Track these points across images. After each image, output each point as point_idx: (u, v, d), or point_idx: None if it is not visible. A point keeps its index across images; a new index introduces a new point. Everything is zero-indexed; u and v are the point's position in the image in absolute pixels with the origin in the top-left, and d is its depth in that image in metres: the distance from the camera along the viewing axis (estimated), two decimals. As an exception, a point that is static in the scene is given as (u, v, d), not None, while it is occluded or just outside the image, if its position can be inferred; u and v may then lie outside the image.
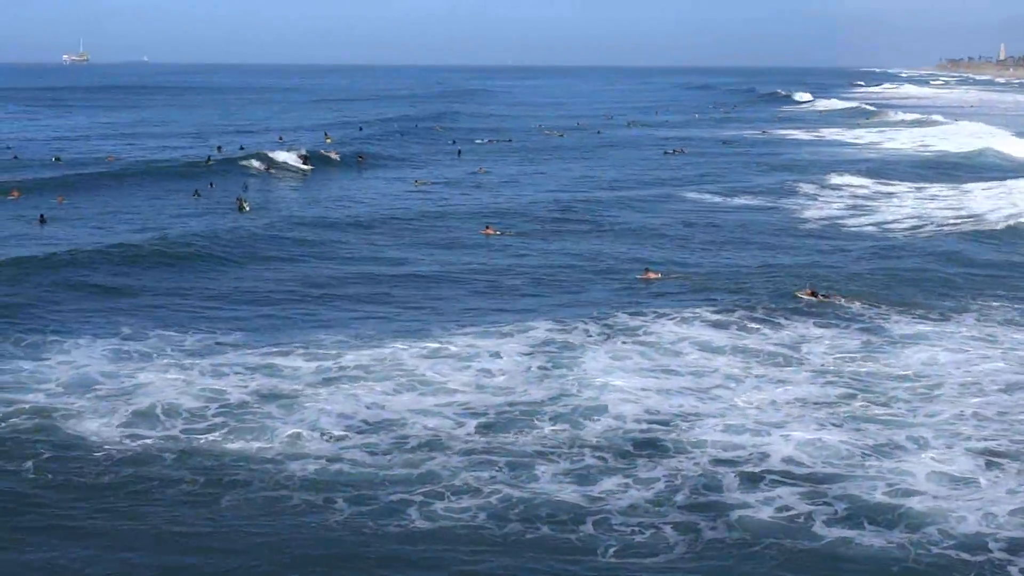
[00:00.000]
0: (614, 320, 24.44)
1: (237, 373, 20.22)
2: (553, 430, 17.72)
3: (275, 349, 21.78)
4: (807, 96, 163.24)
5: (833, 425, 18.11)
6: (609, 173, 58.73)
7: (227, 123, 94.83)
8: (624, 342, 22.67)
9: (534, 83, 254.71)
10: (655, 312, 25.30)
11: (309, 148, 63.74)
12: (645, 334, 23.31)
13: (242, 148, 66.80)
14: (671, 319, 24.67)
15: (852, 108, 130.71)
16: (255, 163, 57.21)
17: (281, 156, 59.69)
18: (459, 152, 68.61)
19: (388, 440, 17.24)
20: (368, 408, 18.56)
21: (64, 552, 13.39)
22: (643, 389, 19.66)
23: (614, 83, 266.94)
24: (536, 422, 18.06)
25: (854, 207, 45.04)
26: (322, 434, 17.35)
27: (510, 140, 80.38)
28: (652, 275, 29.50)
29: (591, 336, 23.07)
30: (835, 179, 53.01)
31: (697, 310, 25.50)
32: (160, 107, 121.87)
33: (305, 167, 58.32)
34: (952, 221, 41.17)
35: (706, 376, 20.53)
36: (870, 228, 39.65)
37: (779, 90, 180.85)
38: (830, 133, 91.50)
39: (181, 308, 25.56)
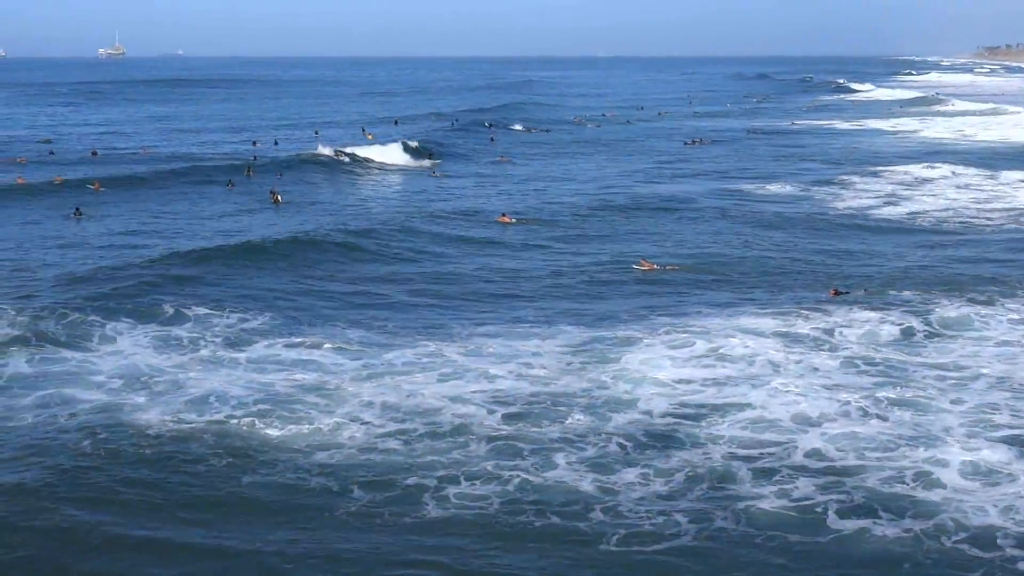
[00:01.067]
0: (653, 316, 24.88)
1: (286, 367, 21.07)
2: (580, 420, 18.15)
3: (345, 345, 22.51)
4: (866, 85, 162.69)
5: (865, 415, 18.33)
6: (630, 164, 59.44)
7: (260, 117, 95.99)
8: (664, 337, 23.00)
9: (579, 74, 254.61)
10: (694, 309, 25.70)
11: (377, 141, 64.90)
12: (684, 329, 23.63)
13: (276, 144, 67.99)
14: (709, 314, 25.01)
15: (917, 97, 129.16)
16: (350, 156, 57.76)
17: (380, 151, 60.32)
18: (491, 139, 72.01)
19: (421, 427, 17.86)
20: (408, 397, 19.19)
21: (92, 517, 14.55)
22: (678, 381, 20.03)
23: (660, 72, 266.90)
24: (565, 411, 18.52)
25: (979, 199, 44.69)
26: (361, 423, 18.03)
27: (547, 130, 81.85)
28: (648, 266, 30.04)
29: (630, 331, 23.48)
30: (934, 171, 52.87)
31: (734, 305, 25.86)
32: (196, 101, 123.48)
33: (426, 163, 59.13)
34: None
35: (739, 369, 20.84)
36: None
37: (840, 79, 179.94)
38: (898, 124, 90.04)
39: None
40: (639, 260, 30.80)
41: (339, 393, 19.40)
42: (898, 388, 19.69)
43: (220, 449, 16.82)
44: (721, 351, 21.79)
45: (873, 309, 25.10)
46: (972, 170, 53.65)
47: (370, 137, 71.84)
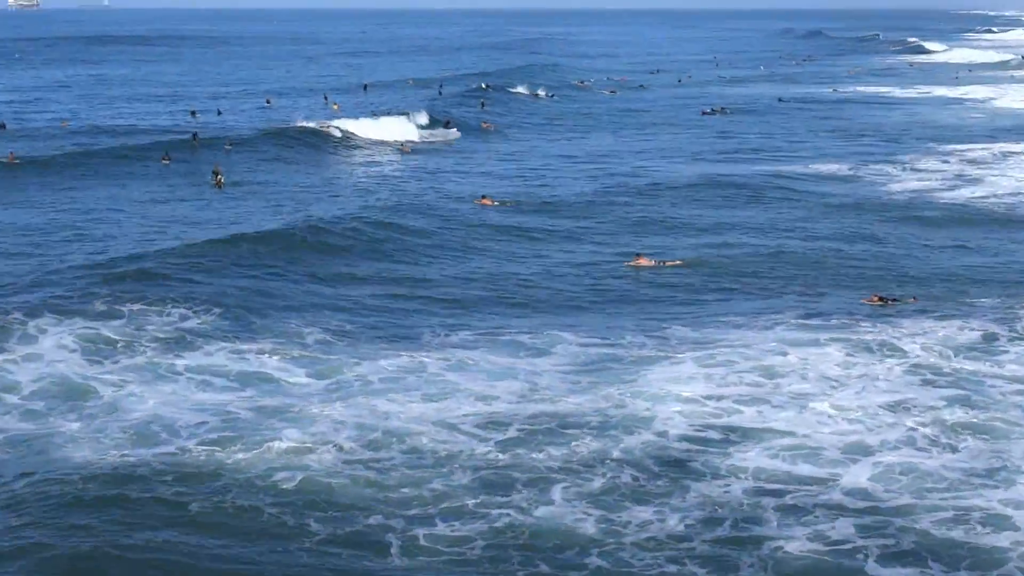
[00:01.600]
0: (669, 321, 25.40)
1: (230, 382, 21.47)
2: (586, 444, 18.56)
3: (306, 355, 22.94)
4: (939, 45, 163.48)
5: (931, 443, 18.68)
6: (641, 139, 60.33)
7: (200, 82, 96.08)
8: (682, 347, 23.54)
9: (585, 30, 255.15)
10: (716, 315, 26.20)
11: (323, 115, 65.09)
12: (704, 338, 24.13)
13: (220, 114, 68.37)
14: (737, 322, 25.47)
15: (999, 61, 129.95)
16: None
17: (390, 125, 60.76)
18: (482, 104, 73.35)
19: (400, 451, 18.28)
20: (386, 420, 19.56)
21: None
22: (703, 397, 20.50)
23: (684, 28, 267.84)
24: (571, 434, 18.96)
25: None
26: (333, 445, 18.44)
27: (552, 95, 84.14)
28: (644, 261, 30.53)
29: (641, 341, 23.96)
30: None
31: (765, 312, 26.31)
32: (124, 62, 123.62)
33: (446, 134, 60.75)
34: None
35: (773, 384, 21.27)
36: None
37: (911, 37, 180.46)
38: (968, 92, 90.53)
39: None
40: (634, 255, 31.34)
41: (305, 416, 19.69)
42: (973, 412, 19.95)
43: (166, 488, 16.91)
44: (756, 366, 22.23)
45: (943, 317, 25.47)
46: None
47: (335, 107, 72.20)
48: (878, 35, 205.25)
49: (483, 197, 39.57)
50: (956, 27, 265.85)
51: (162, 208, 39.49)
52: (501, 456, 18.10)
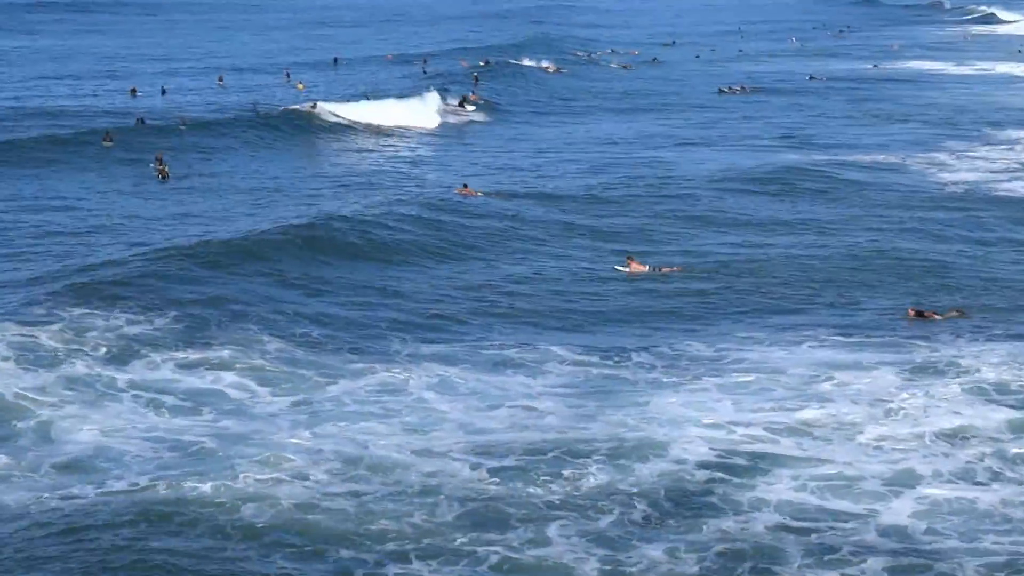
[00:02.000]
0: (679, 336, 25.92)
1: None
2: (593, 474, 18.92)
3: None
4: (1014, 15, 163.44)
5: (992, 477, 18.99)
6: (648, 122, 61.38)
7: (140, 56, 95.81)
8: (697, 367, 23.99)
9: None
10: (729, 325, 26.78)
11: (278, 98, 65.35)
12: (722, 357, 24.60)
13: (164, 92, 68.59)
14: (752, 332, 26.04)
15: None
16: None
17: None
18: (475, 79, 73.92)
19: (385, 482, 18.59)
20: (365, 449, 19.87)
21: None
22: (729, 425, 20.86)
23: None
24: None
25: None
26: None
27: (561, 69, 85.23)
28: (637, 267, 31.05)
29: (648, 360, 24.43)
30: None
31: (791, 327, 26.77)
32: (51, 33, 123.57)
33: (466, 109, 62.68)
34: None
35: (807, 411, 21.61)
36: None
37: (982, 6, 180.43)
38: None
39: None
40: (625, 259, 31.81)
41: (273, 445, 19.88)
42: None
43: (118, 534, 16.82)
44: (787, 389, 22.68)
45: (1006, 334, 25.82)
46: None
47: (300, 87, 72.51)
48: (943, 1, 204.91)
49: (464, 186, 40.06)
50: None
51: (99, 203, 39.78)
52: (494, 489, 18.42)
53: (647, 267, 31.34)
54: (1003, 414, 21.38)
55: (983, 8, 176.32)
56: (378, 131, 57.66)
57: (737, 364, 24.14)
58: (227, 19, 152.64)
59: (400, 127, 58.85)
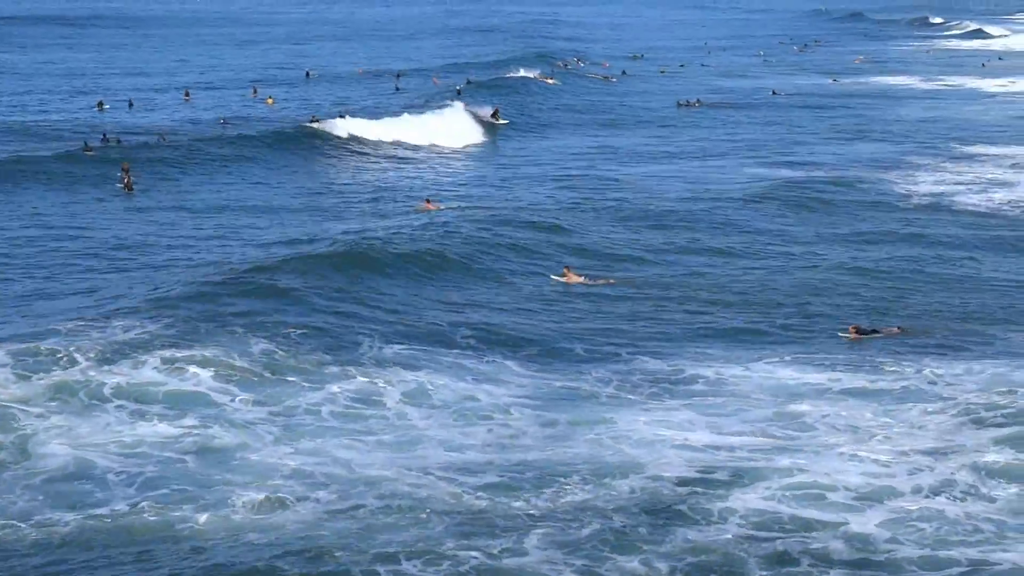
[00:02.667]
0: (629, 351, 25.97)
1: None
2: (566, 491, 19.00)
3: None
4: (1001, 30, 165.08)
5: (956, 487, 19.13)
6: (609, 136, 62.10)
7: (105, 70, 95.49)
8: (654, 384, 24.15)
9: (568, 10, 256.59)
10: (680, 340, 26.96)
11: (240, 113, 65.18)
12: (678, 373, 24.76)
13: (131, 106, 68.44)
14: (703, 348, 26.16)
15: None
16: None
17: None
18: (458, 91, 74.42)
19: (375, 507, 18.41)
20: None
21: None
22: (694, 446, 20.91)
23: (684, 9, 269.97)
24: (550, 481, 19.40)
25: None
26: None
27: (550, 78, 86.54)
28: (574, 277, 31.40)
29: (604, 375, 24.57)
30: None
31: (742, 342, 26.96)
32: (11, 48, 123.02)
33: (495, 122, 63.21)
34: None
35: (767, 426, 21.85)
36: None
37: (968, 22, 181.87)
38: (1008, 85, 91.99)
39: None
40: (563, 269, 32.16)
41: (259, 465, 19.72)
42: (1021, 457, 20.25)
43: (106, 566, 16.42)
44: (750, 404, 22.90)
45: (976, 354, 25.95)
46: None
47: (270, 102, 72.41)
48: (926, 17, 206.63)
49: (426, 201, 40.09)
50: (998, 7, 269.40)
51: (59, 218, 39.65)
52: (475, 503, 18.52)
53: (583, 278, 31.59)
54: (982, 433, 21.50)
55: (969, 24, 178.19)
56: (412, 147, 57.46)
57: (696, 382, 24.30)
58: (200, 33, 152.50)
59: (434, 144, 58.74)
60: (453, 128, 61.20)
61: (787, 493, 18.82)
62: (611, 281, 31.64)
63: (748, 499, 18.61)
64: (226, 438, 20.77)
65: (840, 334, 27.43)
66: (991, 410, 22.22)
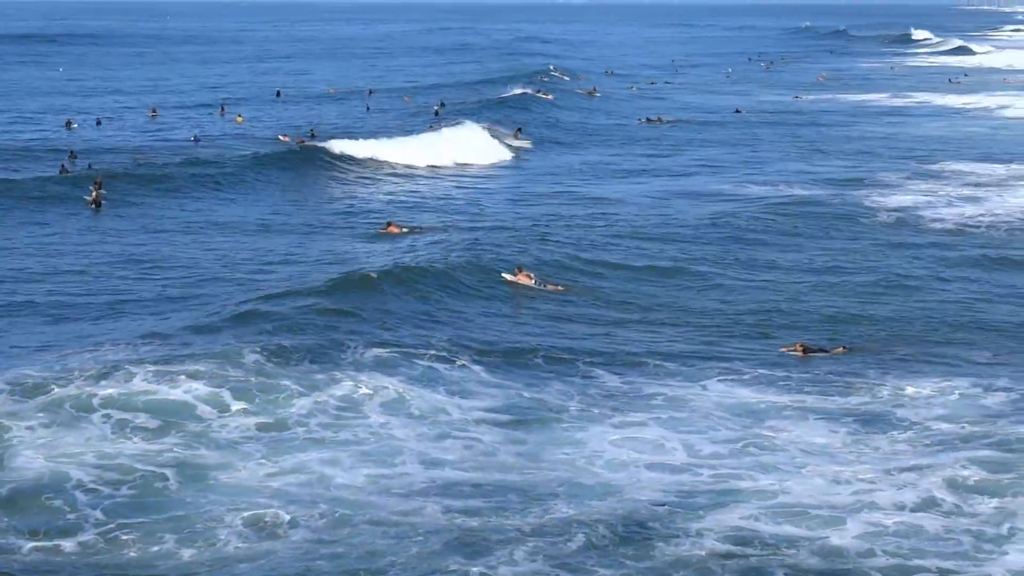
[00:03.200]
0: (585, 363, 26.24)
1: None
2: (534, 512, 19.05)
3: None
4: (985, 47, 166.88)
5: (931, 502, 19.31)
6: (574, 153, 62.52)
7: (72, 89, 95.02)
8: (619, 398, 24.36)
9: (536, 27, 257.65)
10: (635, 353, 27.16)
11: (208, 132, 65.17)
12: (635, 390, 24.87)
13: (99, 124, 68.39)
14: (660, 362, 26.53)
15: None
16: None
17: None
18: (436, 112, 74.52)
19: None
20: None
21: None
22: (659, 464, 21.06)
23: (656, 27, 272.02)
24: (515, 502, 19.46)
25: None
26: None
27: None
28: (524, 279, 32.03)
29: (564, 388, 24.77)
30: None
31: (693, 357, 27.18)
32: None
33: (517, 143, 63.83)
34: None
35: (738, 443, 22.02)
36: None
37: (954, 39, 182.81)
38: (971, 101, 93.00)
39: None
40: (515, 268, 32.55)
41: (242, 486, 19.49)
42: (994, 474, 20.35)
43: None
44: (717, 425, 22.98)
45: (937, 371, 26.11)
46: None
47: (239, 120, 72.31)
48: (910, 35, 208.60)
49: (389, 224, 40.57)
50: (968, 24, 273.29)
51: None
52: (454, 524, 18.50)
53: (534, 280, 32.03)
54: (956, 452, 21.56)
55: (954, 41, 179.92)
56: (436, 169, 57.09)
57: (656, 398, 24.46)
58: (169, 51, 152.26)
59: (461, 163, 58.61)
60: (472, 147, 61.21)
61: (764, 513, 18.91)
62: (560, 288, 32.10)
63: (725, 519, 18.69)
64: (209, 455, 20.64)
65: (783, 348, 27.70)
66: (964, 435, 22.29)
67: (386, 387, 23.95)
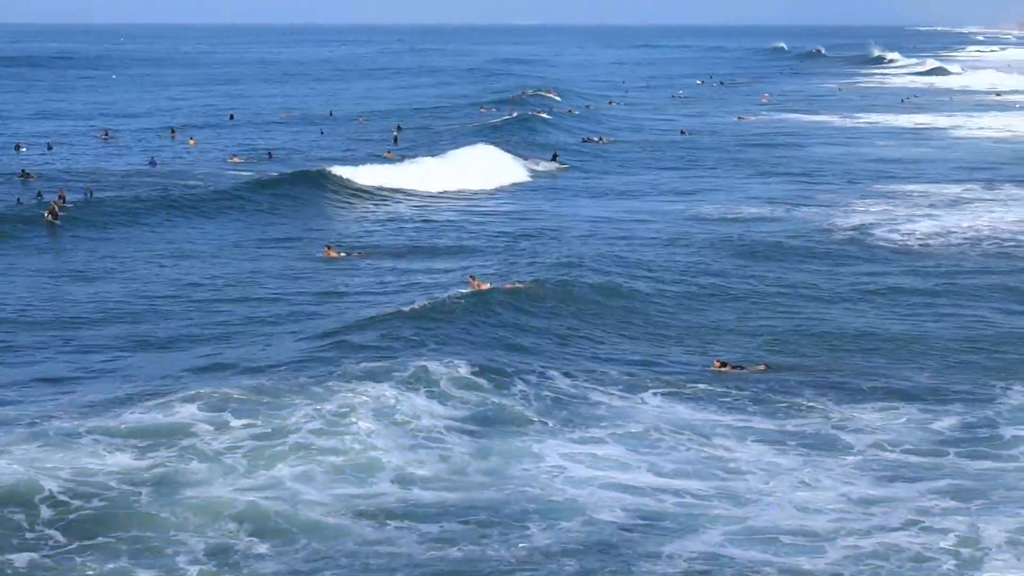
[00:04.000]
0: (552, 381, 26.27)
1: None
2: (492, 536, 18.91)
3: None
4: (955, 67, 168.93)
5: (897, 523, 19.34)
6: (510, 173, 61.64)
7: (16, 112, 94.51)
8: (569, 406, 24.62)
9: (497, 48, 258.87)
10: (576, 363, 27.37)
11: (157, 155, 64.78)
12: (596, 406, 24.96)
13: (50, 148, 67.87)
14: (601, 366, 26.89)
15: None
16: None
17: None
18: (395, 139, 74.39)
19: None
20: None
21: None
22: (625, 486, 20.96)
23: (608, 48, 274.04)
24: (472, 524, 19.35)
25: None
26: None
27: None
28: (478, 284, 32.93)
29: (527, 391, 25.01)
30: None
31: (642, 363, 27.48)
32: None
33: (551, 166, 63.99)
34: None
35: (702, 465, 21.99)
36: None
37: (927, 58, 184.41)
38: (923, 121, 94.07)
39: None
40: (469, 277, 33.41)
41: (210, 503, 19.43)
42: (957, 501, 20.37)
43: None
44: (656, 442, 23.04)
45: (891, 398, 26.08)
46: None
47: (191, 143, 72.28)
48: (883, 56, 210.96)
49: (327, 247, 40.99)
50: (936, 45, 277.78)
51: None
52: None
53: (488, 284, 33.19)
54: (918, 471, 21.79)
55: (931, 62, 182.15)
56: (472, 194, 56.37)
57: (600, 406, 24.81)
58: (124, 74, 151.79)
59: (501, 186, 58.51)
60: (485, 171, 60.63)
61: (731, 539, 18.92)
62: (518, 284, 33.45)
63: (691, 545, 18.65)
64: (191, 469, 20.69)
65: (709, 368, 27.97)
66: (916, 463, 22.35)
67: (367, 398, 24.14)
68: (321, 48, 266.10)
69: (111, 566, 17.26)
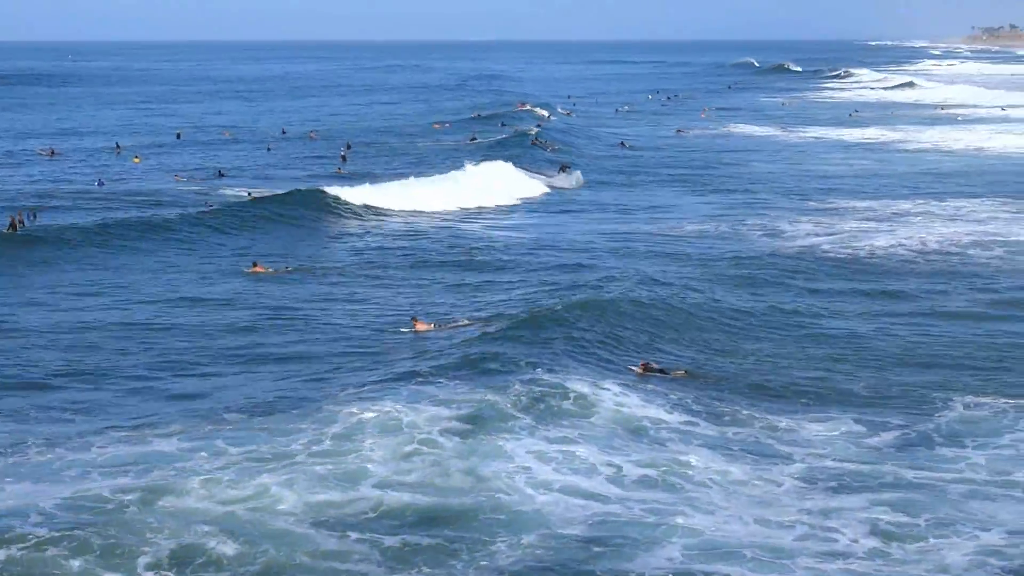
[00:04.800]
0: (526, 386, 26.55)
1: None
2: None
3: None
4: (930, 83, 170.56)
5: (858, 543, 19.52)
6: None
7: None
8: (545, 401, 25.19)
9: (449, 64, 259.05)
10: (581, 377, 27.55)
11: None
12: (564, 411, 25.28)
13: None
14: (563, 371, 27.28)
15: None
16: None
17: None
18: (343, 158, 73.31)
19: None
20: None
21: None
22: (587, 495, 21.22)
23: (560, 63, 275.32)
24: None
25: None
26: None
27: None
28: (422, 326, 32.65)
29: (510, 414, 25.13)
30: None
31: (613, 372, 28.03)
32: None
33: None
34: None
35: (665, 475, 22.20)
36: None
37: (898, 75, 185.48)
38: (868, 135, 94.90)
39: None
40: (411, 319, 33.02)
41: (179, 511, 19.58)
42: (905, 517, 20.53)
43: None
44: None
45: (828, 407, 26.45)
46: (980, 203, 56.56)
47: (136, 160, 72.08)
48: (851, 72, 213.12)
49: (254, 264, 41.22)
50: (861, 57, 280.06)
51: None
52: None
53: (433, 326, 32.83)
54: (866, 484, 22.02)
55: (902, 77, 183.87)
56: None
57: (568, 397, 25.54)
58: (71, 92, 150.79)
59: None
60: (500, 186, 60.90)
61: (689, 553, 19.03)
62: (466, 322, 33.07)
63: (652, 560, 18.76)
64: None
65: (630, 367, 28.48)
66: (859, 472, 22.60)
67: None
68: (273, 65, 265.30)
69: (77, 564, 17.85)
